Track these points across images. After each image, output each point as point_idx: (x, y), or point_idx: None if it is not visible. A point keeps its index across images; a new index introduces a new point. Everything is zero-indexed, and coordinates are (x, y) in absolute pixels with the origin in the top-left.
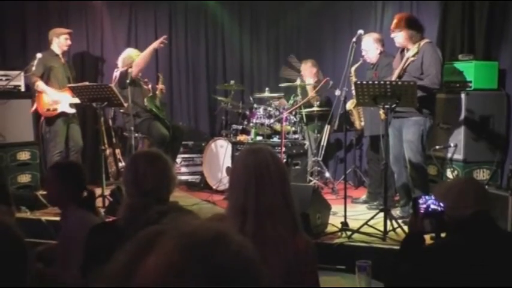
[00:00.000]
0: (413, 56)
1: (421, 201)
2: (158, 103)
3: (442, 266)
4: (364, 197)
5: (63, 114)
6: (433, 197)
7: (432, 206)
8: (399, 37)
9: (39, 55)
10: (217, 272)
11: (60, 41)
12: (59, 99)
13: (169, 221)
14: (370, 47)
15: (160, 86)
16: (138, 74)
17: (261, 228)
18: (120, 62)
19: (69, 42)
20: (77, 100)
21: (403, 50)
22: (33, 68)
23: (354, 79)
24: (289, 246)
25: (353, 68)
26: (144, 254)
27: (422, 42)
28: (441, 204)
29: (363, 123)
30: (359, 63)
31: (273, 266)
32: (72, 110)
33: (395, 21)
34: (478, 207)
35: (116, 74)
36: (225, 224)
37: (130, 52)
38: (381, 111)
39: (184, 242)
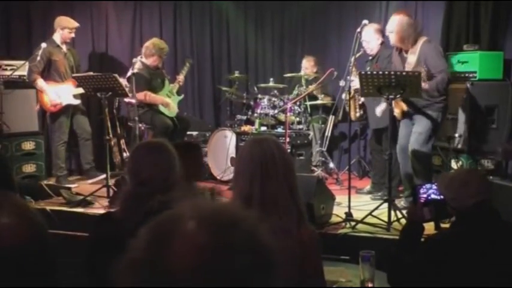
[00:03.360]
0: (413, 56)
1: (422, 190)
2: (172, 96)
3: (445, 256)
4: (368, 187)
5: (68, 106)
6: (434, 186)
7: (432, 196)
8: (392, 39)
9: (43, 45)
10: (239, 251)
11: (63, 33)
12: (56, 99)
13: (181, 204)
14: (371, 37)
15: (179, 77)
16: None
17: (266, 217)
18: (143, 49)
19: (72, 35)
20: (80, 90)
21: (401, 51)
22: (38, 58)
23: (353, 69)
24: (294, 237)
25: (352, 58)
26: (167, 240)
27: (420, 43)
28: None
29: (358, 115)
30: (360, 53)
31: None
32: (77, 101)
33: (391, 23)
34: (480, 197)
35: (135, 61)
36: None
37: (154, 41)
38: (396, 111)
39: (208, 222)
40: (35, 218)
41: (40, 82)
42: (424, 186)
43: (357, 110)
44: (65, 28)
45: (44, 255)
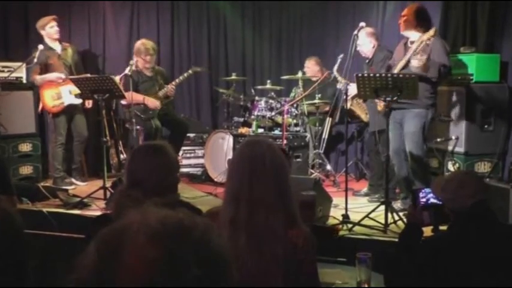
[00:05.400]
0: (419, 46)
1: (421, 194)
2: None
3: (442, 258)
4: (365, 189)
5: (70, 106)
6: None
7: (432, 200)
8: (404, 26)
9: (40, 46)
10: (186, 260)
11: (46, 32)
12: (58, 92)
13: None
14: (363, 41)
15: (170, 85)
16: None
17: (252, 217)
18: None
19: (56, 29)
20: None
21: (406, 42)
22: (35, 60)
23: (340, 79)
24: (282, 239)
25: (335, 68)
26: (115, 254)
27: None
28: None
29: (369, 116)
30: (338, 62)
31: (266, 255)
32: (79, 100)
33: (405, 10)
34: (478, 197)
35: (132, 63)
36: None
37: (139, 41)
38: (378, 103)
39: (157, 234)
40: (8, 220)
41: (39, 77)
42: (423, 191)
43: (367, 111)
44: (43, 27)
45: (11, 257)
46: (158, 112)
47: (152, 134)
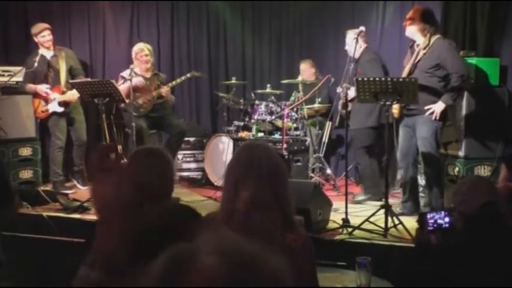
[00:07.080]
0: (424, 49)
1: (428, 216)
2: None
3: (450, 260)
4: (363, 196)
5: (54, 113)
6: (440, 213)
7: (439, 221)
8: (410, 29)
9: (40, 51)
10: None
11: (38, 40)
12: (47, 99)
13: (197, 235)
14: (352, 42)
15: (164, 89)
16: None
17: (248, 220)
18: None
19: (47, 38)
20: (65, 97)
21: (412, 45)
22: (35, 65)
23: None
24: (279, 241)
25: (351, 66)
26: (184, 271)
27: (434, 38)
28: (447, 220)
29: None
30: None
31: None
32: (61, 109)
33: (411, 12)
34: (487, 199)
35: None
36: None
37: (139, 44)
38: (393, 108)
39: (229, 260)
40: None
41: (28, 86)
42: (431, 214)
43: None
44: (36, 35)
45: None
46: (151, 114)
47: (140, 135)
